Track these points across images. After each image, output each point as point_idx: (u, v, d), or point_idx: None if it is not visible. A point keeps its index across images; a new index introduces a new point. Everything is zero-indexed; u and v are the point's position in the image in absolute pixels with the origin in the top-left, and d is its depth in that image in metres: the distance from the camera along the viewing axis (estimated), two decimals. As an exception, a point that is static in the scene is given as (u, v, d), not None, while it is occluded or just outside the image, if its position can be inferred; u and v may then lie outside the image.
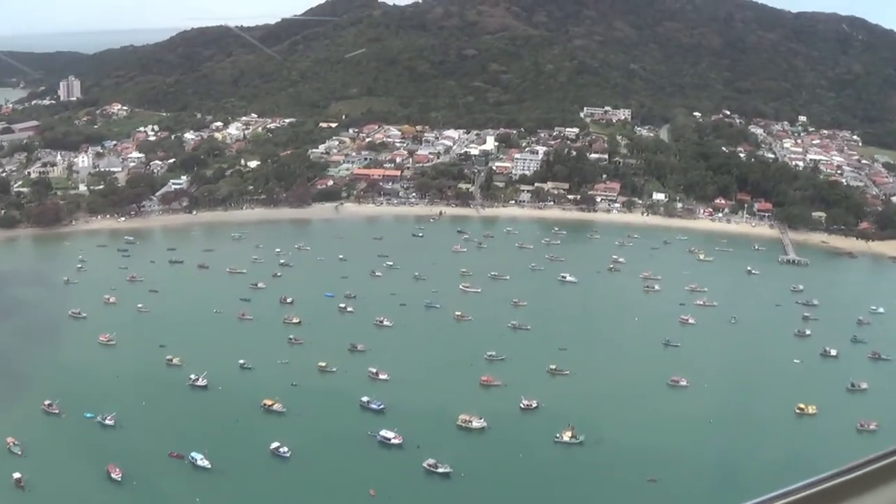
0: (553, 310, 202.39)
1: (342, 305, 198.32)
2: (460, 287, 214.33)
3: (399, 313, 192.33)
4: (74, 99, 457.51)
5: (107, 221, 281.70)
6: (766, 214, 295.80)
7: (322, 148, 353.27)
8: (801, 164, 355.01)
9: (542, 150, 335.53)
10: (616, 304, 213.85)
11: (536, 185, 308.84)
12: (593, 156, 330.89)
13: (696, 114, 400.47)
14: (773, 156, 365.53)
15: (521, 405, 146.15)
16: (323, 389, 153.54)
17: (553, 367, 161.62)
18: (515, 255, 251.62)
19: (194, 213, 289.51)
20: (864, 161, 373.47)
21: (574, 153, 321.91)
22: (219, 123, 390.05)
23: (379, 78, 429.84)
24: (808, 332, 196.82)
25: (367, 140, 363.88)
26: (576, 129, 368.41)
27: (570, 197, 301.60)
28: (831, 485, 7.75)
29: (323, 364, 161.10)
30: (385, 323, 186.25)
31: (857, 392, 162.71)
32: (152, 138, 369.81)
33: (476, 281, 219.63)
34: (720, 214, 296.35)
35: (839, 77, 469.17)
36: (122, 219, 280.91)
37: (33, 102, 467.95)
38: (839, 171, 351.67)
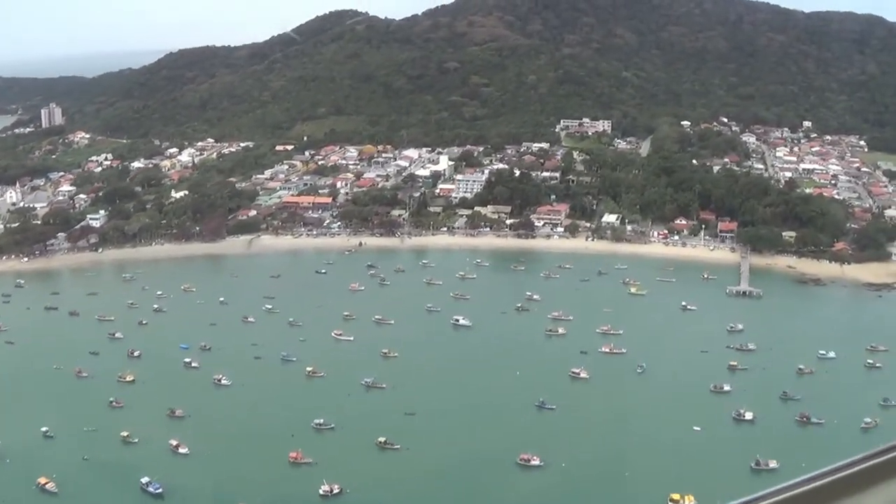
0: (426, 362, 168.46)
1: (188, 360, 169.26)
2: (332, 335, 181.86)
3: (247, 369, 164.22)
4: (58, 125, 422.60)
5: (10, 262, 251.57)
6: (730, 236, 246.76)
7: (268, 173, 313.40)
8: (788, 174, 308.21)
9: (499, 167, 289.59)
10: (504, 354, 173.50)
11: (476, 209, 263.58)
12: (545, 174, 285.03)
13: (684, 123, 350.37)
14: (761, 166, 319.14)
15: (321, 491, 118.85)
16: (112, 465, 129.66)
17: (383, 439, 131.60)
18: (418, 293, 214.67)
19: (100, 251, 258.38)
20: (864, 169, 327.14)
21: (518, 173, 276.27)
22: (174, 150, 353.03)
23: (351, 95, 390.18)
24: (727, 387, 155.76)
25: (321, 163, 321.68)
26: (544, 144, 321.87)
27: (509, 222, 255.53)
28: (831, 480, 7.33)
29: (126, 434, 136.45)
30: (223, 382, 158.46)
31: (762, 472, 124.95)
32: (99, 169, 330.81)
33: (355, 327, 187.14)
34: (676, 237, 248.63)
35: (852, 79, 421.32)
36: (26, 259, 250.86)
37: (15, 131, 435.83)
38: (833, 181, 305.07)
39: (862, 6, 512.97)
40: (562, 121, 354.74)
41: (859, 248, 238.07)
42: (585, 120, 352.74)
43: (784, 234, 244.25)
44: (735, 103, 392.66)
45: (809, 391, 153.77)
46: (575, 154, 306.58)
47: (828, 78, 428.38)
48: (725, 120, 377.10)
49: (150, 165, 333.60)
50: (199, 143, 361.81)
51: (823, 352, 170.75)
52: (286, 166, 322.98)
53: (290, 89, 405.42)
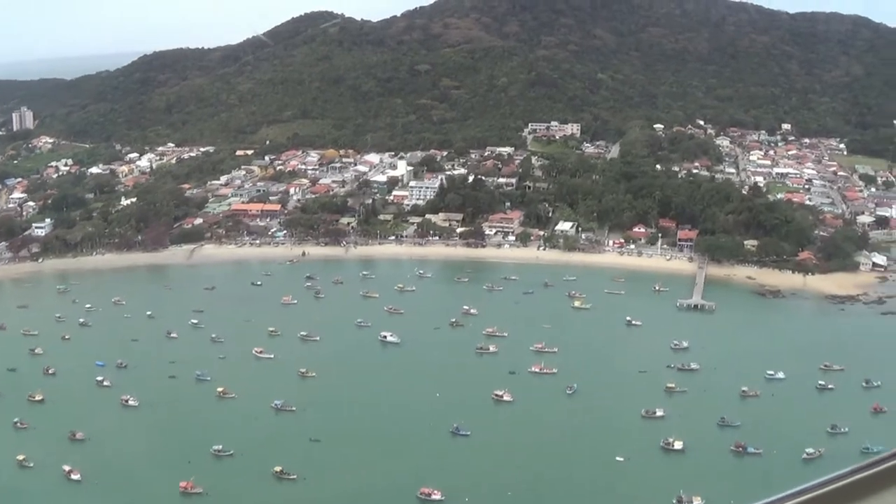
0: (343, 383, 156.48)
1: (100, 378, 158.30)
2: (253, 352, 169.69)
3: (158, 388, 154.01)
4: (26, 129, 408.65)
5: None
6: (688, 245, 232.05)
7: (223, 179, 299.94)
8: (760, 179, 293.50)
9: (451, 173, 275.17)
10: (427, 374, 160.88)
11: (427, 216, 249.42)
12: (501, 180, 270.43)
13: (657, 126, 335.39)
14: (733, 171, 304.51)
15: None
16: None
17: (279, 468, 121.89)
18: (352, 306, 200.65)
19: (41, 261, 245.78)
20: (841, 173, 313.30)
21: (470, 179, 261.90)
22: (134, 155, 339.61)
23: (318, 98, 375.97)
24: (660, 412, 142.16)
25: (279, 168, 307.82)
26: (509, 149, 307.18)
27: (460, 230, 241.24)
28: (841, 485, 7.44)
29: (22, 457, 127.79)
30: (130, 402, 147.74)
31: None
32: (56, 175, 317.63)
33: (278, 344, 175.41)
34: (632, 246, 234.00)
35: (836, 80, 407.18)
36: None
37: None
38: (807, 186, 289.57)
39: (849, 7, 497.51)
40: (530, 124, 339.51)
41: (825, 257, 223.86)
42: (554, 123, 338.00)
43: (746, 242, 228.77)
44: (713, 105, 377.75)
45: (751, 417, 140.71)
46: (534, 159, 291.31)
47: (811, 79, 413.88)
48: (702, 122, 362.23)
49: (107, 171, 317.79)
50: (160, 148, 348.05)
51: (772, 372, 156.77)
52: (243, 172, 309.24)
53: (258, 92, 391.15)
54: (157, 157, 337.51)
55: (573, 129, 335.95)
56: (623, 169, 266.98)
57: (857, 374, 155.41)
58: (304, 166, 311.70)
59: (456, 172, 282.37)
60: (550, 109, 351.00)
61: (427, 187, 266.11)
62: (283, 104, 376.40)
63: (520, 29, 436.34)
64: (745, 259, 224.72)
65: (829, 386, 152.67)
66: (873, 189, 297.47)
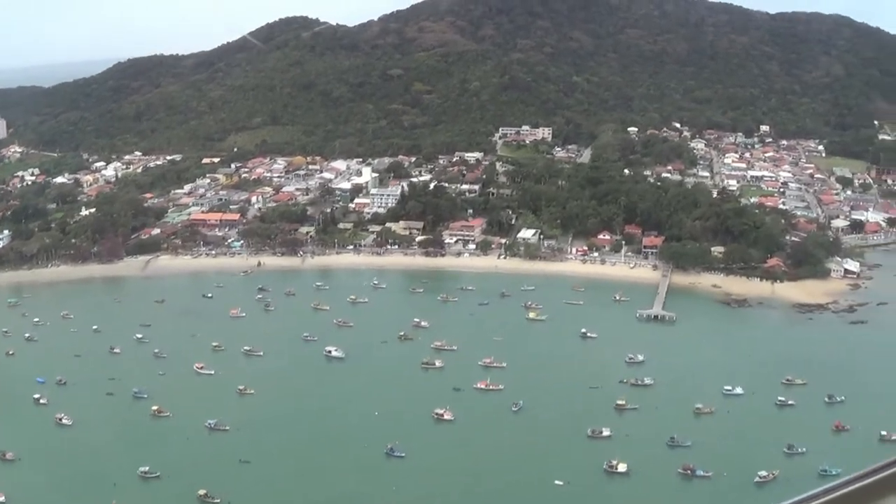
0: (281, 401, 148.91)
1: (37, 396, 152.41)
2: (194, 368, 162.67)
3: (94, 406, 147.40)
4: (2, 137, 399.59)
5: None
6: (653, 252, 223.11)
7: (187, 188, 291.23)
8: (734, 182, 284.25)
9: (413, 180, 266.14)
10: (368, 390, 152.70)
11: (387, 225, 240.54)
12: (464, 186, 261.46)
13: (631, 129, 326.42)
14: (707, 174, 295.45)
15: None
16: None
17: (203, 492, 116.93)
18: (301, 319, 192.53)
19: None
20: (817, 175, 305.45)
21: (431, 186, 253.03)
22: (101, 164, 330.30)
23: (289, 105, 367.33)
24: (606, 431, 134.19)
25: (244, 176, 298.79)
26: (478, 154, 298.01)
27: (419, 239, 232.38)
28: (848, 491, 7.45)
29: None
30: (64, 421, 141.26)
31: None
32: (20, 185, 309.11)
33: (221, 359, 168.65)
34: (595, 254, 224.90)
35: (816, 80, 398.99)
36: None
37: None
38: (781, 189, 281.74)
39: (831, 7, 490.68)
40: (500, 129, 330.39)
41: (795, 263, 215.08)
42: (525, 127, 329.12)
43: (713, 249, 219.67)
44: (690, 107, 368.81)
45: (703, 436, 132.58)
46: (499, 165, 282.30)
47: (791, 80, 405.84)
48: (678, 125, 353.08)
49: (72, 181, 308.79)
50: (127, 157, 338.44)
51: (729, 387, 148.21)
52: (208, 180, 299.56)
53: (228, 99, 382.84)
54: (124, 166, 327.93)
55: (544, 133, 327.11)
56: (589, 174, 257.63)
57: (821, 388, 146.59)
58: (269, 174, 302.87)
59: (421, 179, 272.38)
60: (522, 113, 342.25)
61: (388, 195, 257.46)
62: (253, 111, 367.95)
63: (495, 32, 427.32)
64: (712, 266, 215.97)
65: (790, 402, 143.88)
66: (849, 192, 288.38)
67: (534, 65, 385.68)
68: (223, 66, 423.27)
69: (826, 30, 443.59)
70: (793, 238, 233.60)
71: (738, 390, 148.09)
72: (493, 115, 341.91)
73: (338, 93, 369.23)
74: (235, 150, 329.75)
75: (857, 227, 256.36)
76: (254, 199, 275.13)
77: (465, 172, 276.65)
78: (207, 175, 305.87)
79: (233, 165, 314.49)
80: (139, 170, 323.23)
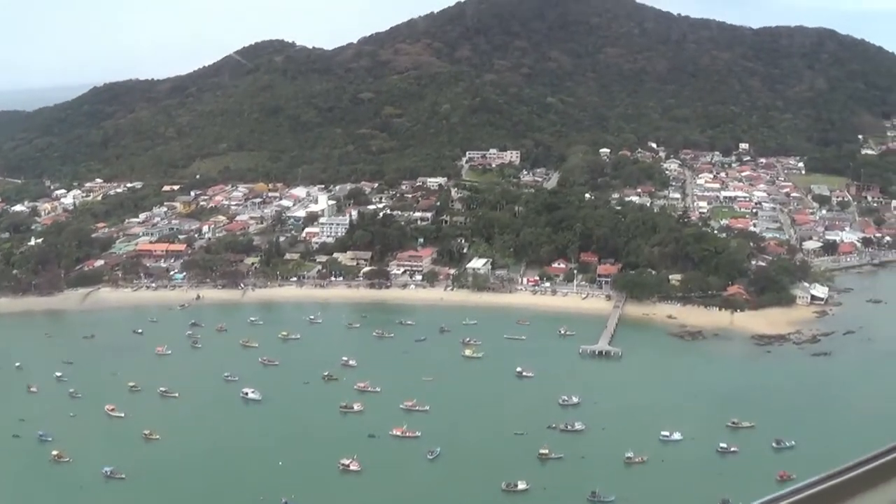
0: (185, 447, 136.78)
1: None
2: (105, 409, 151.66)
3: None
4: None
5: None
6: (607, 281, 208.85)
7: (142, 217, 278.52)
8: (704, 204, 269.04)
9: (373, 207, 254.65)
10: (279, 437, 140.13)
11: (334, 255, 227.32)
12: (417, 214, 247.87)
13: (603, 150, 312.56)
14: (678, 196, 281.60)
15: None
16: None
17: None
18: (227, 357, 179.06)
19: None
20: (794, 194, 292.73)
21: (380, 215, 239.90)
22: (62, 191, 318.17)
23: (256, 130, 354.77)
24: (522, 484, 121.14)
25: (202, 204, 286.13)
26: (441, 180, 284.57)
27: (365, 270, 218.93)
28: (835, 483, 7.33)
29: None
30: None
31: None
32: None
33: (135, 400, 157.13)
34: (546, 284, 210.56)
35: (799, 95, 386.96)
36: None
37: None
38: (754, 210, 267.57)
39: (816, 20, 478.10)
40: (467, 152, 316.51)
41: (758, 290, 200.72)
42: (492, 151, 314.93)
43: (671, 277, 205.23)
44: (668, 126, 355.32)
45: (630, 490, 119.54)
46: (454, 191, 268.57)
47: (773, 96, 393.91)
48: (654, 145, 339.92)
49: (29, 209, 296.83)
50: (88, 184, 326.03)
51: (667, 433, 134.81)
52: (165, 209, 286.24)
53: (196, 124, 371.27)
54: (84, 194, 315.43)
55: (512, 156, 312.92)
56: (547, 200, 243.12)
57: (770, 431, 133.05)
58: (228, 202, 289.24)
59: (379, 206, 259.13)
60: (491, 136, 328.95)
61: (338, 224, 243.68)
62: (220, 136, 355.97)
63: (472, 53, 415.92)
64: (669, 295, 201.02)
65: (732, 448, 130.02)
66: (824, 211, 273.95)
67: (507, 86, 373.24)
68: (195, 90, 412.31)
69: (810, 43, 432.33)
70: (759, 263, 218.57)
71: (677, 436, 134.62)
72: (461, 139, 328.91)
73: (306, 117, 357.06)
74: (198, 176, 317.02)
75: (830, 248, 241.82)
76: (205, 228, 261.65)
77: (419, 199, 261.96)
78: (165, 203, 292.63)
79: (192, 193, 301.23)
80: (99, 197, 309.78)
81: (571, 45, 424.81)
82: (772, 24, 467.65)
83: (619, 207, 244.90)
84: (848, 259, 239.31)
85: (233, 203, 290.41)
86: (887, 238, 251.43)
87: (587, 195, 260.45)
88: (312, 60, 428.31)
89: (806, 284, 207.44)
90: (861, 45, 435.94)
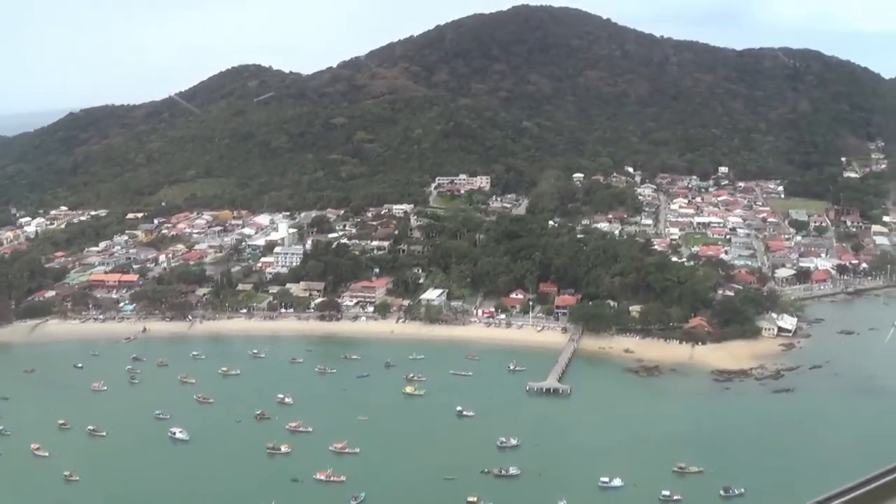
0: (103, 490, 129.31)
1: None
2: (31, 448, 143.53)
3: None
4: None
5: None
6: (564, 312, 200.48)
7: (102, 245, 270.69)
8: (676, 230, 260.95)
9: (332, 236, 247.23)
10: (200, 480, 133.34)
11: (287, 285, 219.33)
12: (374, 243, 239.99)
13: (577, 175, 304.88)
14: (650, 222, 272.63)
15: None
16: None
17: None
18: (163, 394, 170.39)
19: None
20: (771, 219, 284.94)
21: (334, 245, 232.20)
22: (26, 219, 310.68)
23: (225, 156, 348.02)
24: None
25: (163, 233, 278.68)
26: (407, 207, 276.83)
27: (316, 301, 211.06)
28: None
29: None
30: None
31: None
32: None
33: (62, 439, 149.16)
34: (502, 316, 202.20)
35: (782, 118, 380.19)
36: None
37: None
38: (728, 237, 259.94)
39: (802, 41, 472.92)
40: (437, 178, 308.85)
41: (722, 322, 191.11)
42: (462, 176, 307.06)
43: (632, 308, 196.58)
44: (646, 150, 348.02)
45: None
46: (413, 219, 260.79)
47: (756, 118, 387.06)
48: (631, 169, 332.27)
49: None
50: (53, 212, 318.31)
51: (606, 479, 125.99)
52: (126, 237, 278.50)
53: (167, 151, 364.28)
54: (48, 222, 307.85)
55: (482, 182, 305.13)
56: (508, 227, 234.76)
57: (719, 477, 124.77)
58: (190, 230, 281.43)
59: (340, 234, 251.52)
60: (462, 161, 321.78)
61: (293, 253, 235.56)
62: (189, 163, 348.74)
63: (449, 77, 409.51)
64: (628, 328, 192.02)
65: (676, 497, 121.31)
66: (799, 237, 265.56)
67: (483, 110, 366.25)
68: (167, 116, 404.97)
69: (794, 65, 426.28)
70: (725, 292, 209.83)
71: (617, 482, 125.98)
72: (431, 164, 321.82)
73: (277, 143, 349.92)
74: (163, 204, 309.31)
75: (803, 276, 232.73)
76: (162, 257, 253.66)
77: (377, 227, 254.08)
78: (127, 232, 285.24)
79: (156, 221, 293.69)
80: (63, 225, 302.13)
81: (551, 69, 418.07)
82: (756, 45, 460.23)
83: (581, 235, 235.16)
84: (821, 287, 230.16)
85: (195, 231, 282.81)
86: (864, 265, 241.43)
87: (551, 222, 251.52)
88: (287, 85, 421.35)
89: (773, 315, 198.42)
90: (847, 67, 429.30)
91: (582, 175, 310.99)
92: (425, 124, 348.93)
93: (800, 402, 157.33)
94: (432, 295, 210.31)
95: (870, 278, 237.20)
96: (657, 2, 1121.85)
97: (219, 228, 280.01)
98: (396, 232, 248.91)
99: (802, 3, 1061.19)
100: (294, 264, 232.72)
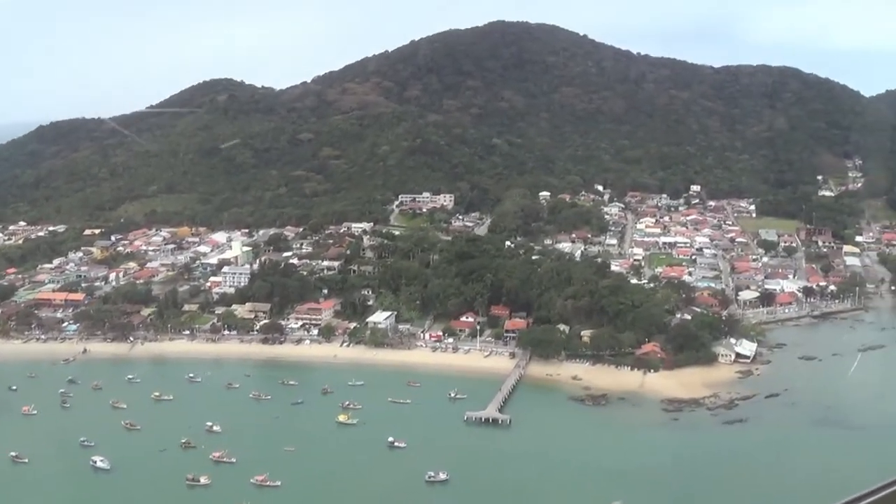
0: None
1: None
2: None
3: None
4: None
5: None
6: (513, 337, 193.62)
7: (56, 262, 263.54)
8: (640, 251, 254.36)
9: (286, 254, 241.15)
10: None
11: (233, 307, 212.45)
12: (324, 263, 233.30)
13: (543, 194, 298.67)
14: (614, 242, 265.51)
15: None
16: None
17: None
18: (92, 419, 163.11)
19: None
20: (739, 239, 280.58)
21: (281, 265, 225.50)
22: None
23: (189, 172, 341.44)
24: None
25: (119, 249, 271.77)
26: (366, 225, 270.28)
27: (261, 324, 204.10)
28: None
29: None
30: None
31: None
32: None
33: None
34: (449, 340, 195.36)
35: (757, 136, 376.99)
36: None
37: None
38: (693, 257, 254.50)
39: (781, 59, 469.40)
40: (399, 196, 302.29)
41: (676, 348, 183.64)
42: (426, 194, 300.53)
43: (584, 332, 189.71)
44: (618, 168, 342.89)
45: None
46: (366, 238, 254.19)
47: (732, 136, 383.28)
48: (601, 187, 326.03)
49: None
50: (12, 227, 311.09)
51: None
52: (80, 254, 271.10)
53: (131, 165, 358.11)
54: (6, 237, 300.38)
55: (445, 200, 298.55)
56: (462, 248, 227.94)
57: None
58: (146, 247, 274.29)
59: (291, 253, 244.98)
60: (427, 179, 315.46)
61: (240, 273, 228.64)
62: (151, 178, 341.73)
63: (421, 93, 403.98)
64: (578, 354, 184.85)
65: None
66: (766, 258, 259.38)
67: (452, 126, 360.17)
68: (135, 129, 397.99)
69: (772, 82, 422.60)
70: (684, 316, 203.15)
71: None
72: (395, 182, 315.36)
73: (241, 159, 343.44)
74: (122, 220, 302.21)
75: (767, 299, 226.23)
76: (112, 275, 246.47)
77: (331, 246, 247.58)
78: (82, 248, 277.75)
79: (113, 237, 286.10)
80: (20, 241, 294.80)
81: (526, 85, 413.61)
82: (734, 63, 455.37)
83: (537, 256, 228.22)
84: (786, 311, 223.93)
85: (150, 248, 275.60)
86: (832, 287, 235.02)
87: (508, 242, 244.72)
88: (256, 100, 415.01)
89: (732, 341, 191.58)
90: (825, 84, 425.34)
91: (549, 194, 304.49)
92: (392, 141, 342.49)
93: (752, 433, 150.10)
94: (380, 317, 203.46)
95: (837, 301, 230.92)
96: (636, 19, 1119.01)
97: (172, 246, 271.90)
98: (348, 252, 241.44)
99: (784, 20, 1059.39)
100: (242, 284, 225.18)
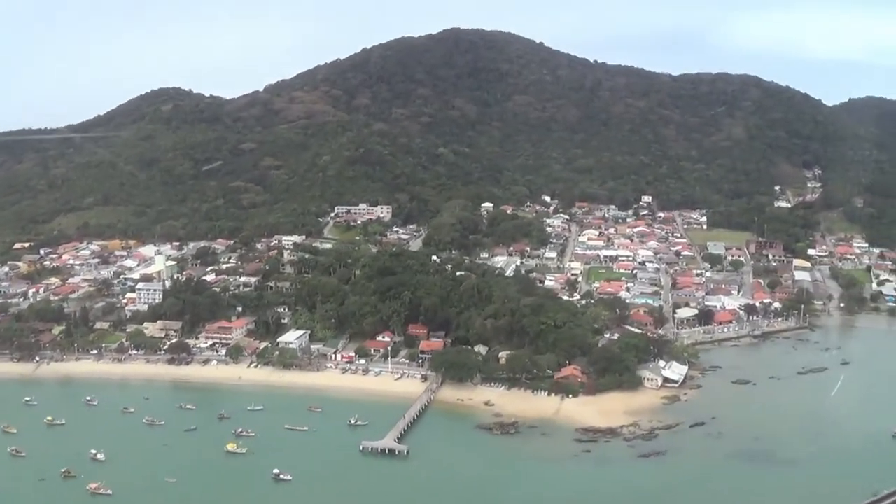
0: None
1: None
2: None
3: None
4: None
5: None
6: (428, 358, 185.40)
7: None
8: (578, 265, 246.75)
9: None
10: None
11: (144, 325, 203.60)
12: (242, 279, 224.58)
13: (486, 205, 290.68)
14: (553, 255, 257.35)
15: None
16: None
17: None
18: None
19: None
20: (685, 253, 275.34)
21: (194, 281, 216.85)
22: None
23: (126, 183, 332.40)
24: None
25: (46, 264, 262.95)
26: (297, 238, 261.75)
27: (168, 344, 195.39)
28: None
29: None
30: None
31: None
32: None
33: None
34: (361, 361, 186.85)
35: (715, 145, 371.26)
36: None
37: None
38: (635, 271, 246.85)
39: (741, 67, 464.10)
40: (336, 208, 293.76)
41: (599, 371, 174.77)
42: (362, 206, 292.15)
43: (502, 354, 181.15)
44: (567, 178, 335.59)
45: None
46: (287, 253, 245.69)
47: (688, 145, 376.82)
48: (548, 198, 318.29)
49: None
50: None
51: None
52: (7, 269, 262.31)
53: (69, 177, 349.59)
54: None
55: (382, 212, 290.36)
56: (385, 263, 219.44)
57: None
58: (73, 261, 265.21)
59: (212, 268, 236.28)
60: (366, 190, 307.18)
61: (154, 290, 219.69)
62: (88, 190, 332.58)
63: (370, 101, 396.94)
64: (494, 377, 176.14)
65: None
66: (710, 273, 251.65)
67: (397, 136, 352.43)
68: (78, 140, 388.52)
69: (732, 91, 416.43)
70: (613, 336, 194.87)
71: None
72: (333, 193, 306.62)
73: (180, 169, 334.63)
74: (55, 233, 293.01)
75: (705, 317, 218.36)
76: (32, 291, 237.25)
77: (253, 260, 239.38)
78: (9, 263, 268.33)
79: (42, 251, 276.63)
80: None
81: (479, 93, 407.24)
82: (693, 70, 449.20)
83: (460, 273, 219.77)
84: (725, 330, 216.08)
85: (77, 263, 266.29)
86: (776, 305, 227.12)
87: (434, 257, 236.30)
88: (201, 109, 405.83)
89: (661, 363, 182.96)
90: (786, 93, 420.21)
91: (491, 205, 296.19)
92: (335, 150, 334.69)
93: (669, 468, 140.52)
94: (291, 337, 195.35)
95: (781, 319, 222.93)
96: (600, 27, 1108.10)
97: (97, 261, 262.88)
98: (266, 267, 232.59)
99: (750, 30, 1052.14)
100: (156, 301, 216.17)
